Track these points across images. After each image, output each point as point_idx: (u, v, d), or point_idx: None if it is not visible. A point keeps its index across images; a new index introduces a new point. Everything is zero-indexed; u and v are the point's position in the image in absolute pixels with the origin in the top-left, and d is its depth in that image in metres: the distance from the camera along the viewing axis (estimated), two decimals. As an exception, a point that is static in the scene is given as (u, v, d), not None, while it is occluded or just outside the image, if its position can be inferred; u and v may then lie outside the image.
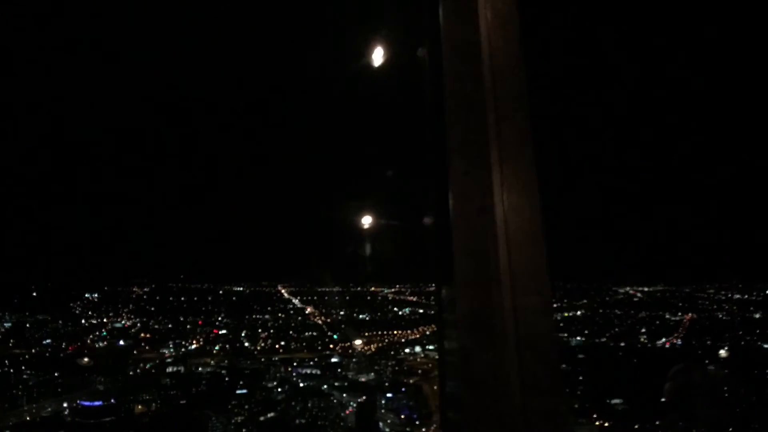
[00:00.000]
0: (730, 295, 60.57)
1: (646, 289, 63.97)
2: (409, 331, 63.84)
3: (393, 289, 75.86)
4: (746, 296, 60.04)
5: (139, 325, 60.30)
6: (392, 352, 58.03)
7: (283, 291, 71.15)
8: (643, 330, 56.49)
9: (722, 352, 49.46)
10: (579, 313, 63.29)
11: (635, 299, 62.77)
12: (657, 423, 39.15)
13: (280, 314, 64.53)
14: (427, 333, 63.55)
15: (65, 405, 44.36)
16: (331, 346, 58.57)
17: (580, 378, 48.76)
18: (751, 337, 54.09)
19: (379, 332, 62.73)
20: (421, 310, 70.48)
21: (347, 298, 72.78)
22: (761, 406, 38.85)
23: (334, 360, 53.88)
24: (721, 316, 57.92)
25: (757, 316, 57.00)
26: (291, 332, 60.58)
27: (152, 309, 62.64)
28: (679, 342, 54.77)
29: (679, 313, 58.53)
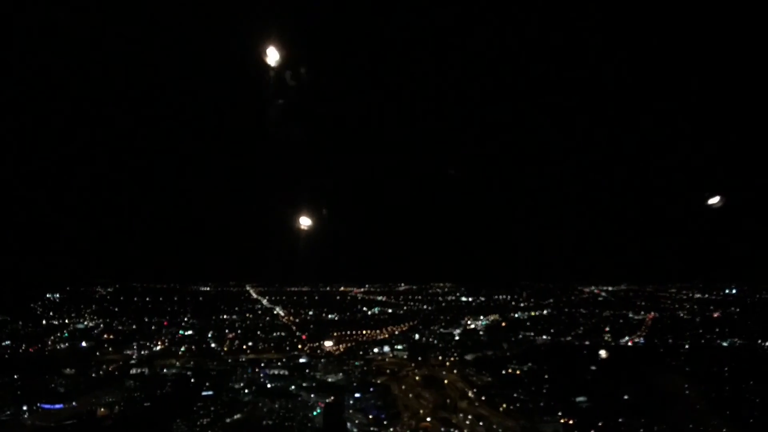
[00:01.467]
0: (690, 295, 62.20)
1: (610, 288, 65.32)
2: (378, 331, 63.90)
3: (363, 289, 75.88)
4: (706, 296, 61.77)
5: (102, 326, 59.11)
6: (361, 352, 58.01)
7: (251, 291, 70.56)
8: (607, 329, 57.60)
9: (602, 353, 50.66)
10: (545, 312, 64.25)
11: (600, 299, 64.00)
12: (620, 420, 40.06)
13: (248, 314, 63.98)
14: (396, 333, 63.73)
15: (25, 408, 43.26)
16: (300, 346, 58.28)
17: (546, 376, 49.52)
18: (710, 335, 55.63)
19: (348, 332, 62.65)
20: (390, 310, 70.62)
21: (316, 298, 72.56)
22: (719, 401, 39.93)
23: (302, 360, 53.58)
24: (682, 314, 59.47)
25: (716, 315, 58.68)
26: (259, 332, 60.09)
27: (116, 309, 61.49)
28: (642, 340, 56.05)
29: (642, 312, 59.91)
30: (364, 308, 70.14)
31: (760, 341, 53.28)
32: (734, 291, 61.84)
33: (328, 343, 58.15)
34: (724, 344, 53.62)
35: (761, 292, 60.61)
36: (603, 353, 50.49)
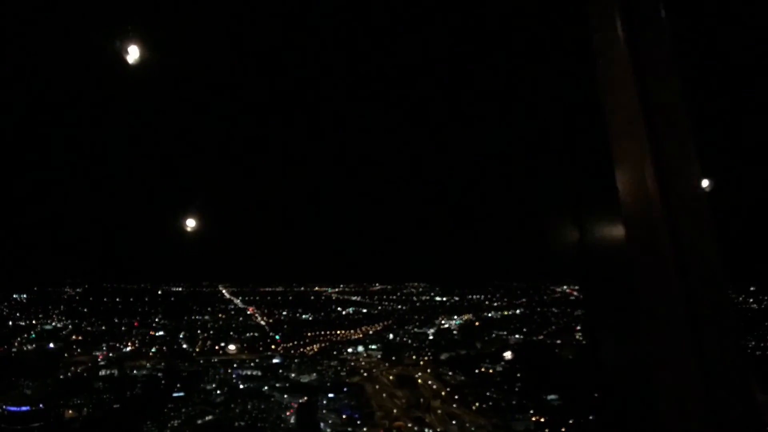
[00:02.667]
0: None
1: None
2: (352, 331, 63.86)
3: (337, 289, 75.71)
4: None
5: (70, 326, 57.98)
6: (335, 352, 57.93)
7: (224, 291, 69.90)
8: (579, 327, 58.31)
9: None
10: (518, 311, 64.86)
11: (571, 298, 64.72)
12: (590, 418, 40.64)
13: (220, 315, 63.39)
14: (370, 332, 63.77)
15: (-10, 411, 42.41)
16: (273, 346, 57.95)
17: (518, 375, 50.03)
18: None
19: (322, 332, 62.48)
20: (364, 310, 70.60)
21: (290, 298, 72.17)
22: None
23: (275, 361, 53.32)
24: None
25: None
26: (232, 333, 59.58)
27: (85, 310, 60.33)
28: (612, 339, 56.87)
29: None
30: (339, 308, 70.00)
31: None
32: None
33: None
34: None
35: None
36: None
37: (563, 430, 41.08)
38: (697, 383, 1.50)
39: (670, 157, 1.69)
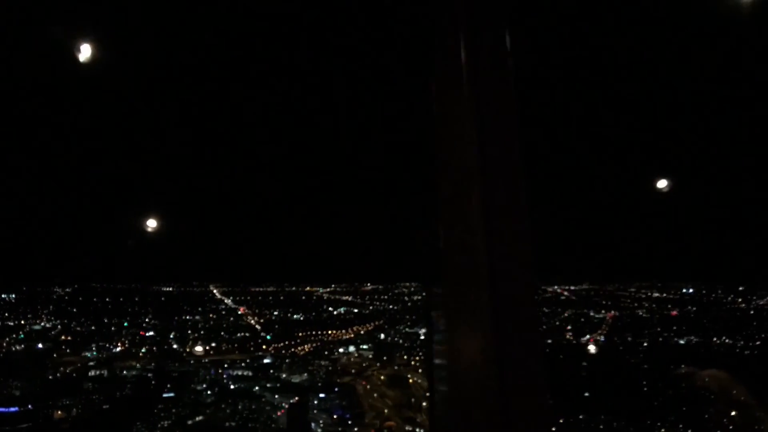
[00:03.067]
0: (649, 294, 63.54)
1: (572, 287, 66.33)
2: (343, 331, 63.79)
3: (328, 289, 75.60)
4: (664, 295, 63.23)
5: (59, 327, 57.58)
6: (326, 352, 57.83)
7: (215, 291, 69.59)
8: (569, 327, 58.54)
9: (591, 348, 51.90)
10: (509, 311, 65.02)
11: (562, 297, 64.89)
12: (580, 417, 40.79)
13: (211, 315, 63.16)
14: (362, 332, 63.71)
15: (-23, 412, 42.13)
16: (264, 346, 57.80)
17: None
18: (668, 333, 57.05)
19: (314, 332, 62.38)
20: (356, 310, 70.55)
21: (281, 298, 71.96)
22: (675, 397, 40.97)
23: (266, 361, 53.18)
24: (641, 313, 60.76)
25: (674, 313, 60.17)
26: (222, 333, 59.38)
27: (74, 310, 59.92)
28: (603, 338, 57.16)
29: (603, 311, 61.02)
30: (330, 308, 69.90)
31: (715, 339, 54.87)
32: (691, 290, 63.43)
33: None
34: (681, 342, 55.02)
35: (716, 292, 62.38)
36: (592, 348, 51.47)
37: (554, 429, 41.08)
38: (492, 382, 1.52)
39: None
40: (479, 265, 1.65)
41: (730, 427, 36.66)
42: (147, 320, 60.20)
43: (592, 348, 52.66)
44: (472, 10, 1.89)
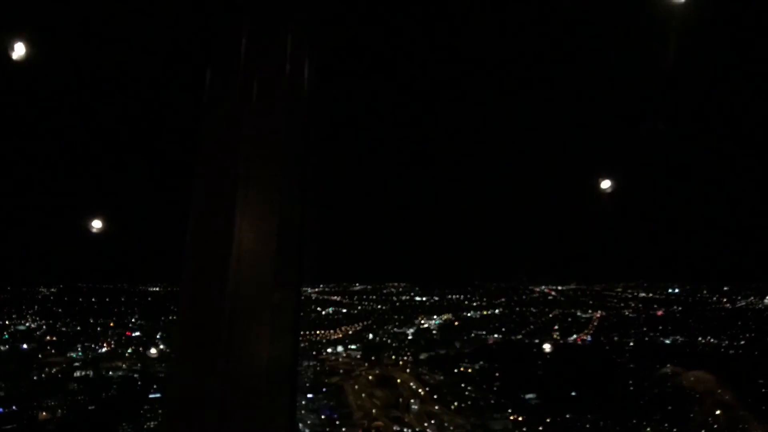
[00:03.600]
0: (635, 294, 63.97)
1: (559, 287, 66.63)
2: (331, 331, 63.66)
3: (317, 289, 75.43)
4: (650, 295, 63.70)
5: (44, 327, 56.99)
6: (314, 353, 57.65)
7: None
8: (556, 327, 58.85)
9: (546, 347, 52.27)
10: (497, 311, 65.21)
11: (549, 297, 65.19)
12: (567, 417, 41.04)
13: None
14: (350, 332, 63.63)
15: (-40, 413, 41.59)
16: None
17: (497, 374, 50.32)
18: (654, 333, 57.49)
19: (301, 332, 62.17)
20: (344, 310, 70.45)
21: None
22: (663, 396, 41.28)
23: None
24: (627, 313, 61.20)
25: (660, 313, 60.67)
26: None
27: (59, 310, 59.31)
28: (589, 338, 57.51)
29: (589, 311, 61.37)
30: (318, 308, 69.73)
31: (700, 338, 55.35)
32: (677, 290, 63.94)
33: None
34: (667, 342, 55.44)
35: (701, 292, 62.95)
36: (547, 347, 51.74)
37: (541, 428, 41.49)
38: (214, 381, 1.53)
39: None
40: (223, 260, 1.66)
41: (715, 427, 37.09)
42: (133, 320, 59.74)
43: (547, 347, 52.95)
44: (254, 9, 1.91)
